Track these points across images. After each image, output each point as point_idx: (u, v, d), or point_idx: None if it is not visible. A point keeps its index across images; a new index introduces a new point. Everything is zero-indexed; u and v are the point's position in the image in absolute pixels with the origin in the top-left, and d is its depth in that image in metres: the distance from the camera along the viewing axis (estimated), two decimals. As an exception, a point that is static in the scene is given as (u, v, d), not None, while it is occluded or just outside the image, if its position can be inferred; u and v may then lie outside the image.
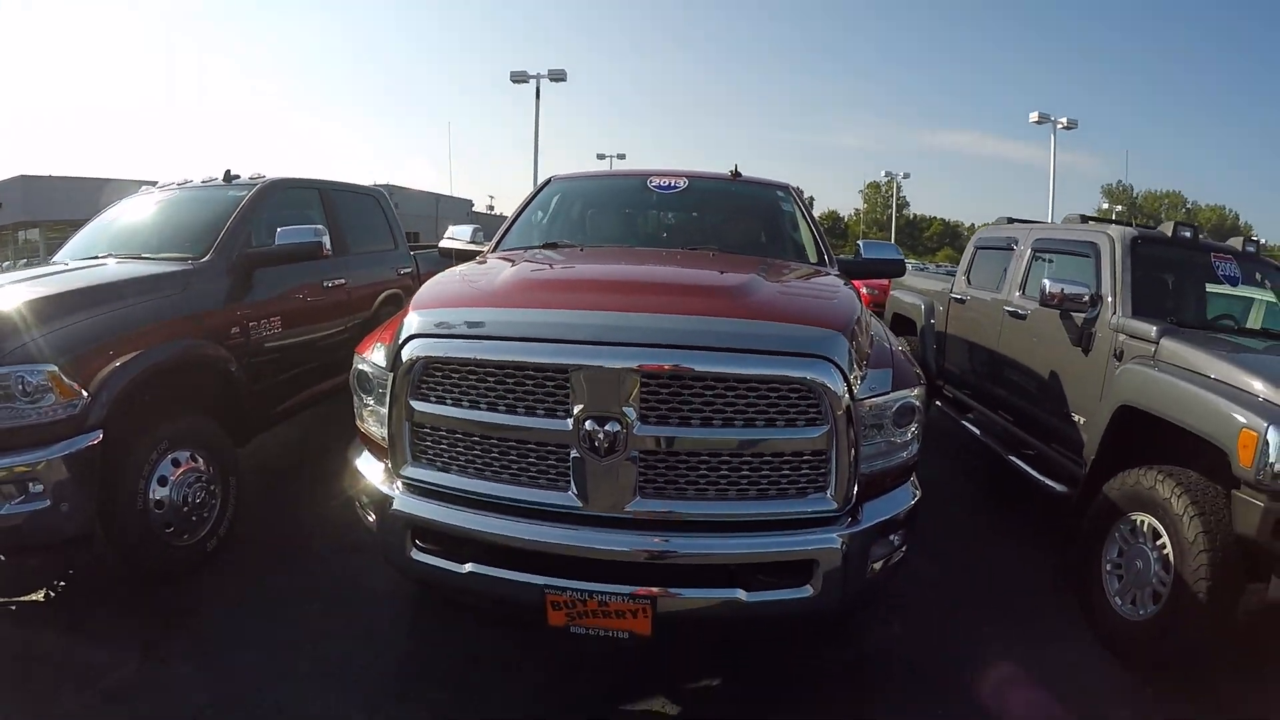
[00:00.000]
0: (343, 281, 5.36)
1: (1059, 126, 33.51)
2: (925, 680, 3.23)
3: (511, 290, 2.92)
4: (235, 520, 4.09)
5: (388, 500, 2.65)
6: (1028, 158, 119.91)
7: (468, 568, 2.53)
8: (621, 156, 47.31)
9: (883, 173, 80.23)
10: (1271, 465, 2.95)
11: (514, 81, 27.53)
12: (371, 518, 2.80)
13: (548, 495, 2.50)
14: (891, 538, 2.67)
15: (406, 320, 2.67)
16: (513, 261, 3.52)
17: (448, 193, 46.87)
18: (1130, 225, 4.93)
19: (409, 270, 6.43)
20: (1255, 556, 3.10)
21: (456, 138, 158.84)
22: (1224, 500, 3.18)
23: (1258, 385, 3.24)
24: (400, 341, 2.61)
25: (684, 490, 2.48)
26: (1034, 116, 33.47)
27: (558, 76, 27.40)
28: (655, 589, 2.42)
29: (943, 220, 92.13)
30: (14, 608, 3.57)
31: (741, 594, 2.45)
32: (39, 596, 3.65)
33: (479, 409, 2.52)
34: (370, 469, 2.84)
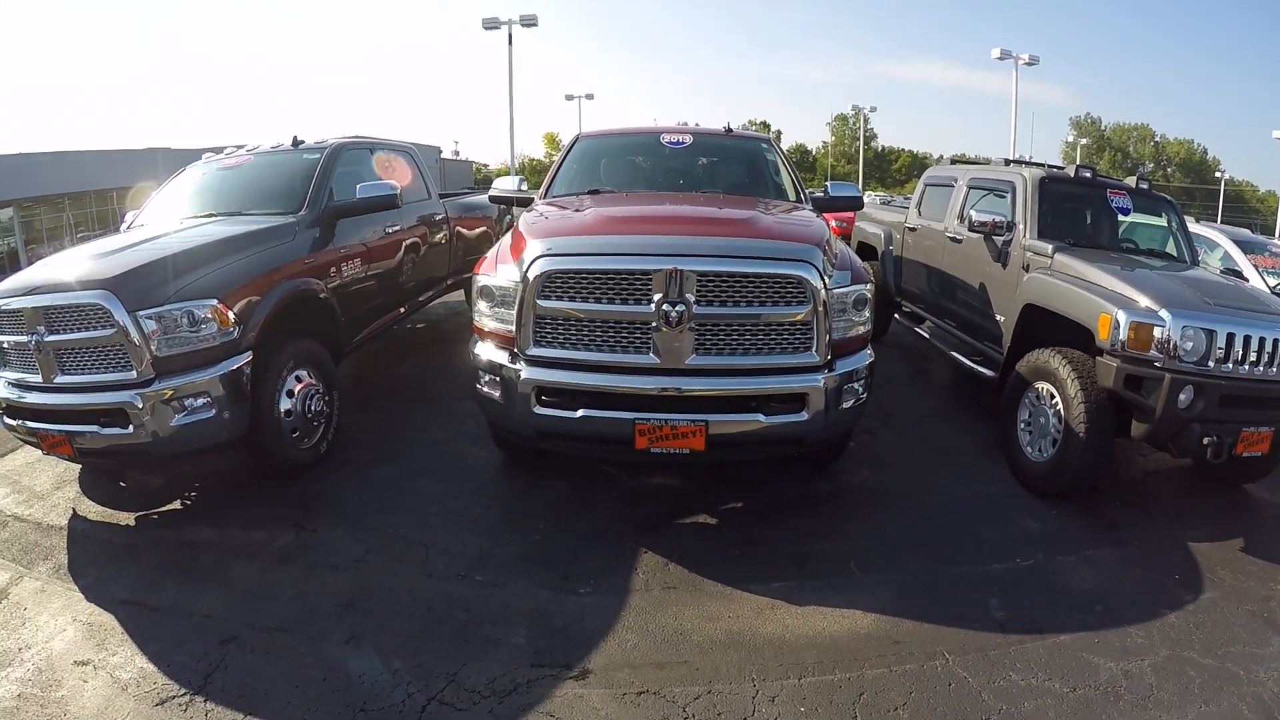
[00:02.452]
0: (398, 227, 6.28)
1: (1021, 62, 33.61)
2: (887, 502, 4.48)
3: (602, 222, 4.15)
4: (338, 427, 5.00)
5: (516, 373, 3.76)
6: (995, 88, 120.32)
7: (579, 413, 3.68)
8: (589, 97, 47.41)
9: (850, 106, 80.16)
10: (1121, 339, 4.20)
11: (485, 28, 27.73)
12: (495, 392, 3.88)
13: (635, 357, 3.66)
14: (855, 384, 3.90)
15: (529, 247, 3.76)
16: (580, 205, 4.64)
17: (415, 141, 46.50)
18: (1042, 167, 6.11)
19: (441, 217, 7.37)
20: (1120, 410, 4.34)
21: (412, 85, 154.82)
22: (1093, 366, 4.42)
23: (1119, 286, 4.49)
24: (528, 262, 3.70)
25: (723, 349, 3.67)
26: (995, 53, 33.52)
27: (529, 22, 27.56)
28: (707, 415, 3.63)
29: (911, 152, 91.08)
30: (156, 517, 4.23)
31: (761, 417, 3.69)
32: (176, 505, 4.35)
33: (589, 302, 3.65)
34: (495, 355, 3.90)
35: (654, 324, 3.59)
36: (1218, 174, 72.35)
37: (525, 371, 3.74)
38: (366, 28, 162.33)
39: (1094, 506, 4.58)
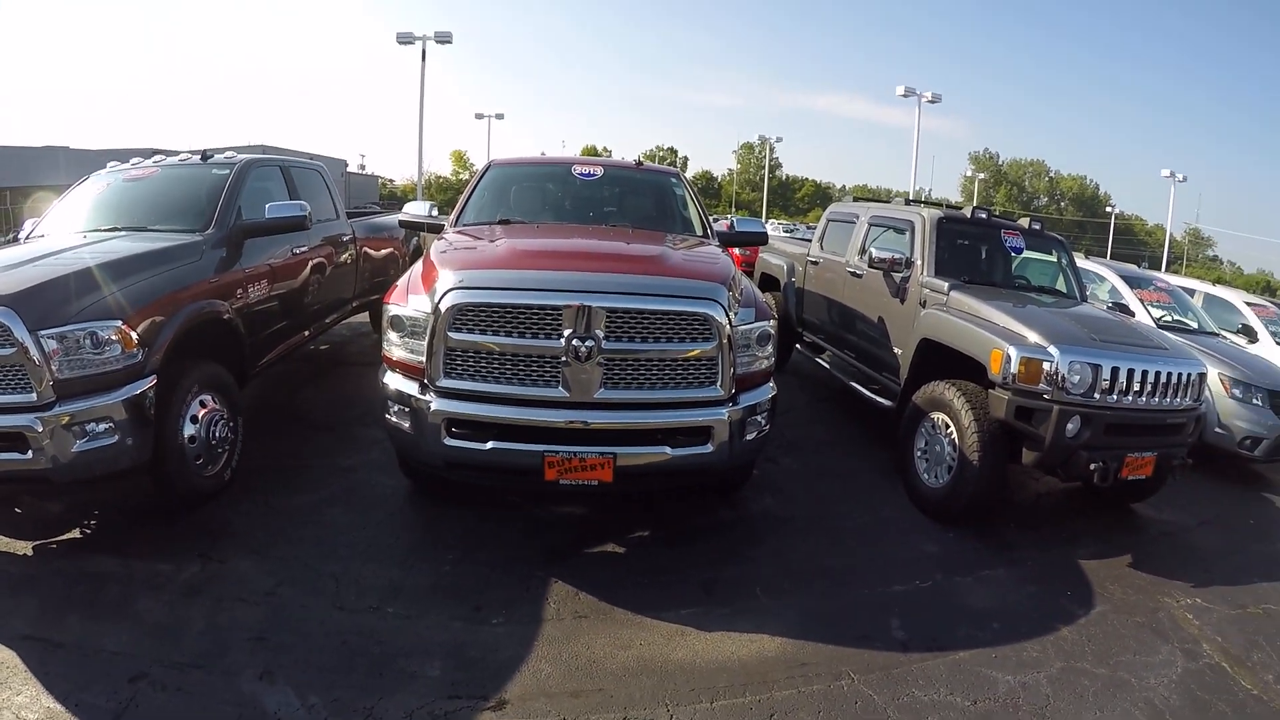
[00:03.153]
0: (304, 248, 6.16)
1: (924, 100, 34.83)
2: (791, 528, 4.66)
3: (515, 257, 4.21)
4: (243, 454, 4.85)
5: (425, 404, 3.77)
6: (899, 121, 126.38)
7: (489, 445, 3.72)
8: (500, 116, 47.37)
9: (756, 135, 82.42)
10: (1012, 373, 4.51)
11: (400, 43, 27.38)
12: (405, 423, 3.88)
13: (544, 390, 3.73)
14: (758, 417, 4.07)
15: (442, 278, 3.80)
16: (490, 236, 4.71)
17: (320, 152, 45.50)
18: (940, 207, 6.49)
19: (349, 237, 7.26)
20: (1011, 438, 4.63)
21: (317, 98, 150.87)
22: (986, 397, 4.71)
23: (1010, 323, 4.83)
24: (439, 294, 3.73)
25: (630, 383, 3.78)
26: (900, 90, 34.65)
27: (444, 38, 27.42)
28: (615, 448, 3.72)
29: (815, 181, 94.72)
30: (54, 546, 4.05)
31: (668, 450, 3.81)
32: (76, 534, 4.18)
33: (499, 335, 3.70)
34: (405, 385, 3.89)
35: (564, 358, 3.67)
36: (1109, 209, 77.03)
37: (435, 403, 3.75)
38: (270, 37, 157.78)
39: (989, 529, 4.86)
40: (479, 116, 47.03)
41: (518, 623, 3.53)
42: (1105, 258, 11.50)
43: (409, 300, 3.92)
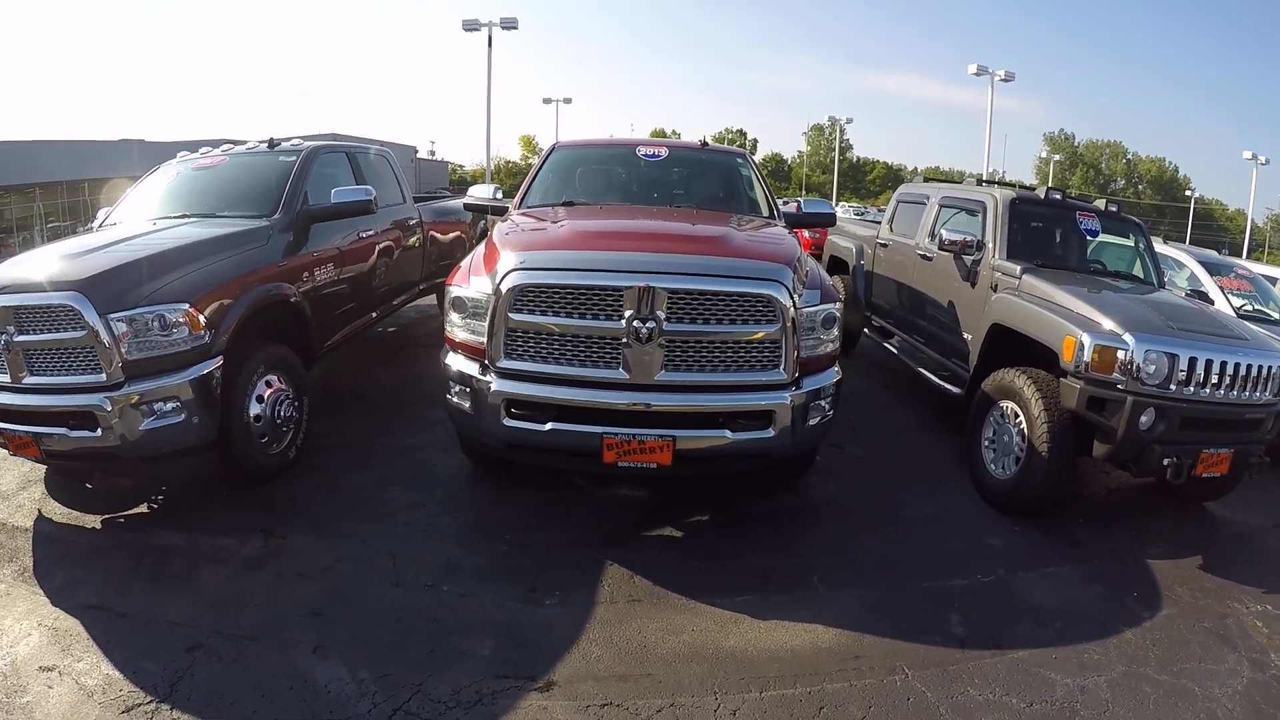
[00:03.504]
0: (372, 231, 6.27)
1: (997, 79, 33.80)
2: (852, 517, 4.54)
3: (576, 237, 4.17)
4: (308, 433, 4.97)
5: (486, 385, 3.78)
6: (968, 102, 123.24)
7: (548, 426, 3.72)
8: (568, 101, 47.52)
9: (826, 116, 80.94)
10: (1085, 361, 4.30)
11: (465, 30, 27.60)
12: (466, 403, 3.90)
13: (605, 372, 3.71)
14: (822, 402, 3.97)
15: (503, 259, 3.80)
16: (555, 217, 4.68)
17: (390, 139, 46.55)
18: (1013, 188, 6.23)
19: (416, 221, 7.36)
20: (1083, 429, 4.43)
21: (385, 83, 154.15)
22: (1057, 386, 4.51)
23: (1085, 309, 4.60)
24: (500, 275, 3.74)
25: (692, 366, 3.73)
26: (972, 69, 33.53)
27: (509, 24, 27.38)
28: (674, 431, 3.68)
29: (886, 163, 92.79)
30: (122, 520, 4.19)
31: (728, 433, 3.75)
32: (143, 509, 4.31)
33: (560, 317, 3.69)
34: (466, 366, 3.92)
35: (624, 339, 3.64)
36: (1188, 192, 73.73)
37: (496, 384, 3.76)
38: (345, 26, 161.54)
39: (1056, 523, 4.67)
40: (547, 101, 47.15)
41: (571, 605, 3.52)
42: (1184, 243, 10.92)
43: (470, 281, 3.94)
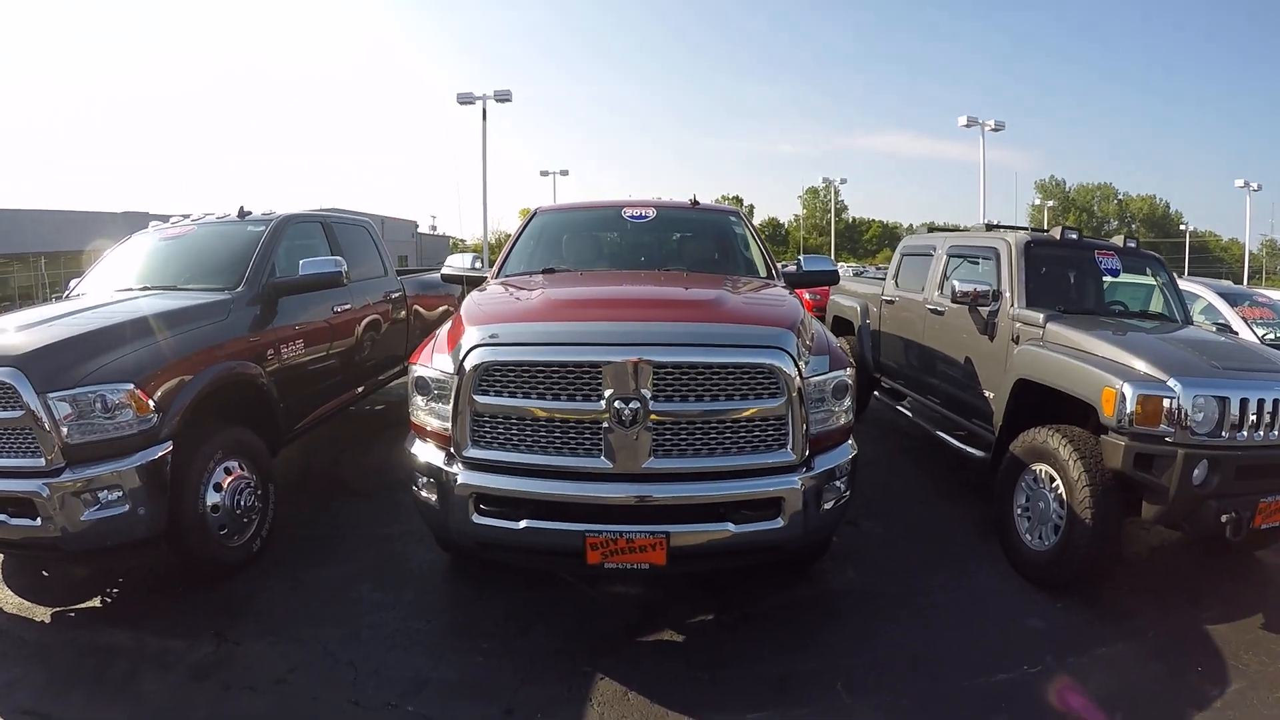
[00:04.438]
0: (348, 305, 5.92)
1: (987, 129, 34.07)
2: (877, 607, 4.02)
3: (549, 307, 3.73)
4: (274, 523, 4.57)
5: (452, 477, 3.33)
6: (960, 155, 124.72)
7: (523, 524, 3.24)
8: (564, 173, 48.00)
9: (820, 178, 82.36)
10: (1128, 414, 3.85)
11: (460, 103, 27.89)
12: (432, 496, 3.45)
13: (584, 461, 3.25)
14: (837, 483, 3.50)
15: (467, 334, 3.37)
16: (530, 286, 4.28)
17: (392, 214, 47.04)
18: (1025, 230, 5.84)
19: (398, 294, 7.02)
20: (1128, 489, 3.96)
21: (387, 158, 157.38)
22: (1098, 445, 4.05)
23: (1120, 355, 4.16)
24: (464, 352, 3.31)
25: (684, 450, 3.27)
26: (962, 121, 34.02)
27: (503, 97, 27.72)
28: (668, 526, 3.20)
29: (881, 222, 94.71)
30: (73, 614, 3.90)
31: (730, 526, 3.26)
32: (96, 602, 4.00)
33: (531, 398, 3.25)
34: (430, 455, 3.48)
35: (605, 423, 3.20)
36: (1181, 226, 73.88)
37: (462, 475, 3.32)
38: (342, 104, 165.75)
39: (1101, 594, 4.19)
40: (544, 174, 47.81)
41: (555, 730, 3.02)
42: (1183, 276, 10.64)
43: (434, 359, 3.52)
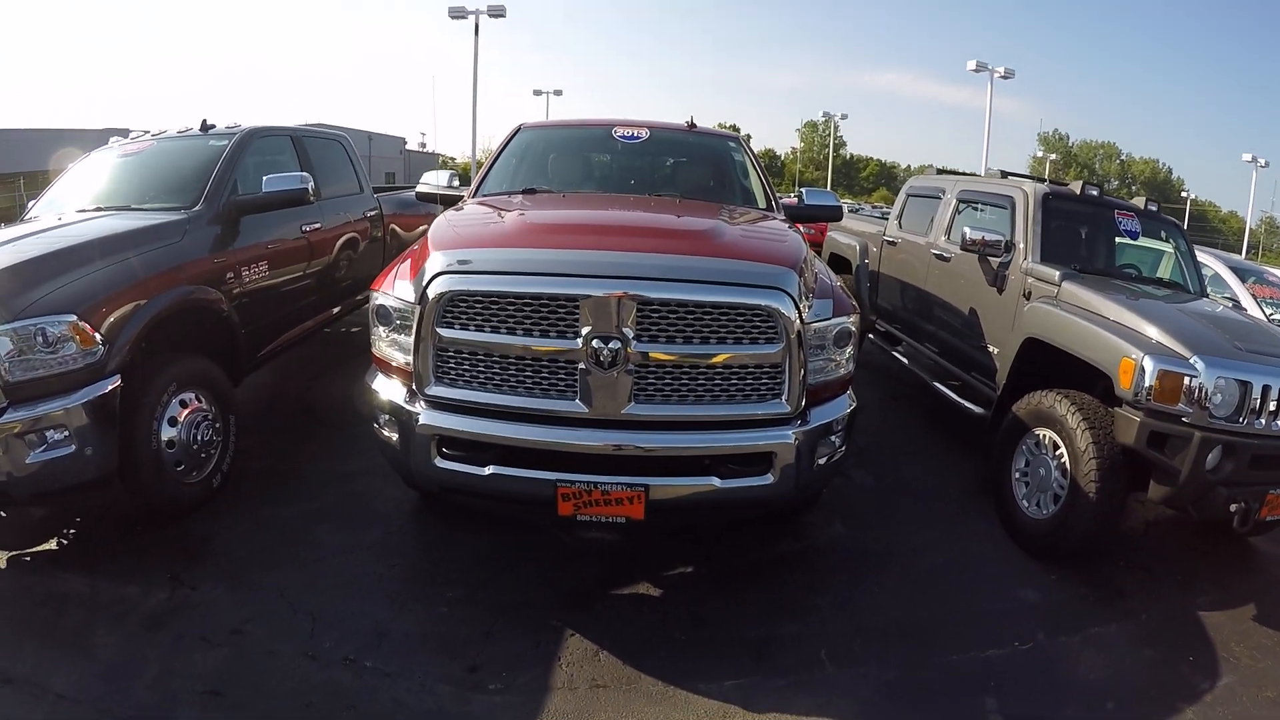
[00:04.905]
0: (318, 225, 5.55)
1: (996, 75, 32.87)
2: (864, 567, 3.83)
3: (523, 232, 3.41)
4: (235, 458, 4.31)
5: (413, 416, 3.06)
6: (964, 100, 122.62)
7: (488, 470, 2.99)
8: (558, 93, 46.57)
9: (820, 113, 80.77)
10: (1146, 388, 3.59)
11: (452, 17, 26.79)
12: (393, 435, 3.19)
13: (558, 403, 2.97)
14: (833, 438, 3.24)
15: (431, 259, 3.05)
16: (507, 207, 3.93)
17: (379, 131, 45.70)
18: (1044, 182, 5.51)
19: (374, 212, 6.64)
20: (1136, 465, 3.75)
21: (388, 74, 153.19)
22: (1109, 417, 3.81)
23: (1140, 324, 3.90)
24: (427, 279, 2.99)
25: (669, 396, 2.99)
26: (971, 65, 32.69)
27: (496, 12, 26.56)
28: (647, 478, 2.94)
29: (879, 161, 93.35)
30: (28, 558, 3.69)
31: (716, 481, 3.01)
32: (52, 545, 3.80)
33: (500, 333, 2.95)
34: (391, 391, 3.21)
35: (581, 363, 2.91)
36: (1183, 194, 73.08)
37: (424, 415, 3.04)
38: (338, 18, 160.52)
39: (1096, 568, 4.01)
40: (537, 93, 46.09)
41: (519, 691, 2.83)
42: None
43: (395, 286, 3.20)
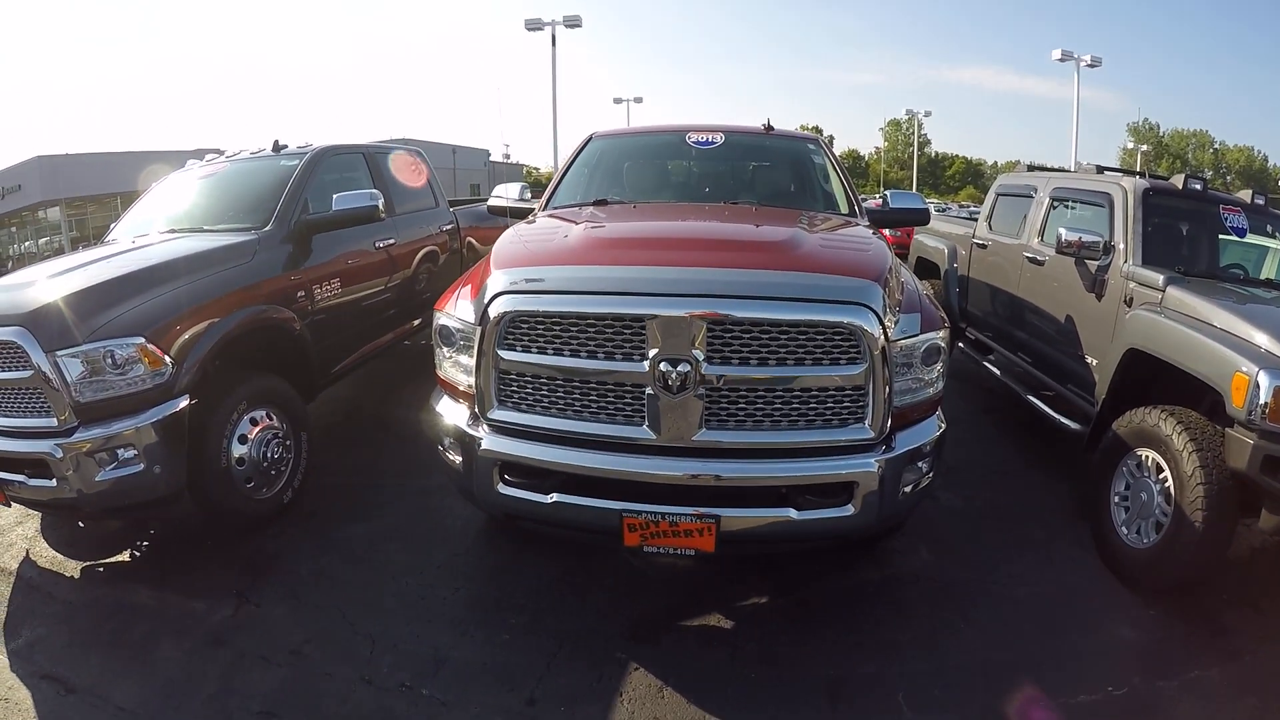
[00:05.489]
0: (392, 241, 5.60)
1: (1083, 64, 31.86)
2: (949, 599, 3.58)
3: (587, 248, 3.28)
4: (307, 473, 4.37)
5: (475, 441, 2.98)
6: (1048, 92, 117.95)
7: (552, 498, 2.89)
8: (639, 100, 46.47)
9: (904, 110, 79.24)
10: (1261, 406, 3.22)
11: (529, 29, 27.18)
12: (457, 459, 3.12)
13: (624, 429, 2.85)
14: (920, 464, 3.01)
15: (492, 278, 2.96)
16: (575, 220, 3.81)
17: (464, 144, 46.65)
18: (1143, 176, 5.11)
19: (450, 226, 6.68)
20: (1248, 491, 3.39)
21: (469, 88, 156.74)
22: (1220, 438, 3.46)
23: (1253, 333, 3.50)
24: (487, 298, 2.91)
25: (743, 422, 2.83)
26: (1056, 54, 31.91)
27: (573, 23, 26.89)
28: (719, 509, 2.78)
29: (965, 158, 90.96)
30: (101, 569, 3.81)
31: (792, 513, 2.82)
32: (125, 557, 3.91)
33: (563, 355, 2.84)
34: (454, 414, 3.14)
35: (649, 387, 2.77)
36: (1279, 182, 68.38)
37: (486, 440, 2.96)
38: (420, 32, 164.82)
39: (1197, 602, 3.64)
40: (617, 101, 45.97)
41: (579, 728, 2.72)
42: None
43: (456, 306, 3.13)
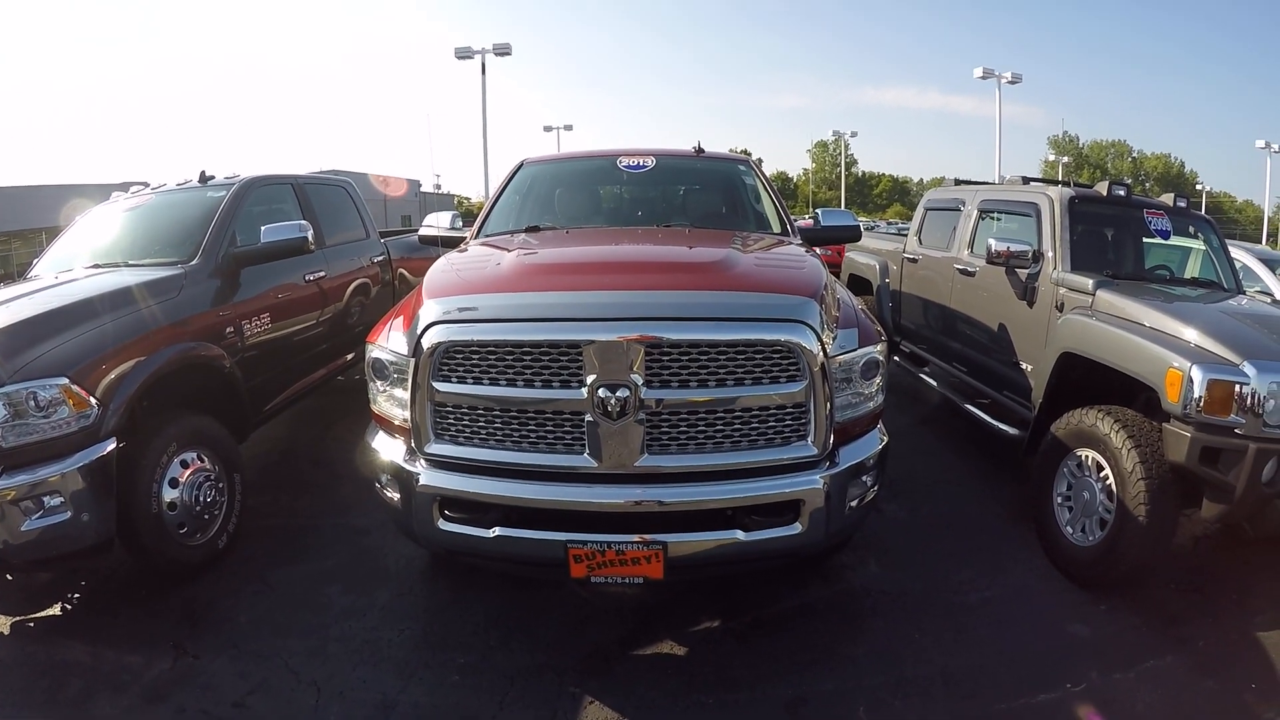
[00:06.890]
0: (322, 273, 5.45)
1: (1003, 81, 32.92)
2: (902, 610, 3.58)
3: (520, 275, 3.20)
4: (242, 515, 4.20)
5: (413, 477, 2.88)
6: (971, 110, 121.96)
7: (494, 532, 2.80)
8: (569, 128, 46.77)
9: (830, 132, 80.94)
10: (1195, 400, 3.34)
11: (458, 58, 27.08)
12: (395, 496, 3.02)
13: (565, 458, 2.78)
14: (864, 478, 3.01)
15: (424, 308, 2.88)
16: (508, 247, 3.75)
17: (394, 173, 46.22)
18: (1068, 185, 5.28)
19: (381, 258, 6.54)
20: (1187, 482, 3.50)
21: (398, 117, 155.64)
22: (1157, 433, 3.56)
23: (1182, 330, 3.64)
24: (420, 329, 2.83)
25: (685, 445, 2.79)
26: (978, 72, 32.87)
27: (502, 51, 26.79)
28: (665, 535, 2.73)
29: (891, 176, 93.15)
30: (32, 624, 3.61)
31: (740, 534, 2.78)
32: (56, 610, 3.71)
33: (500, 385, 2.77)
34: (391, 449, 3.04)
35: (588, 414, 2.72)
36: (1197, 186, 72.07)
37: (424, 476, 2.87)
38: (346, 62, 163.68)
39: (1147, 594, 3.73)
40: (548, 129, 46.26)
41: (533, 770, 2.63)
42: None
43: (389, 338, 3.04)
